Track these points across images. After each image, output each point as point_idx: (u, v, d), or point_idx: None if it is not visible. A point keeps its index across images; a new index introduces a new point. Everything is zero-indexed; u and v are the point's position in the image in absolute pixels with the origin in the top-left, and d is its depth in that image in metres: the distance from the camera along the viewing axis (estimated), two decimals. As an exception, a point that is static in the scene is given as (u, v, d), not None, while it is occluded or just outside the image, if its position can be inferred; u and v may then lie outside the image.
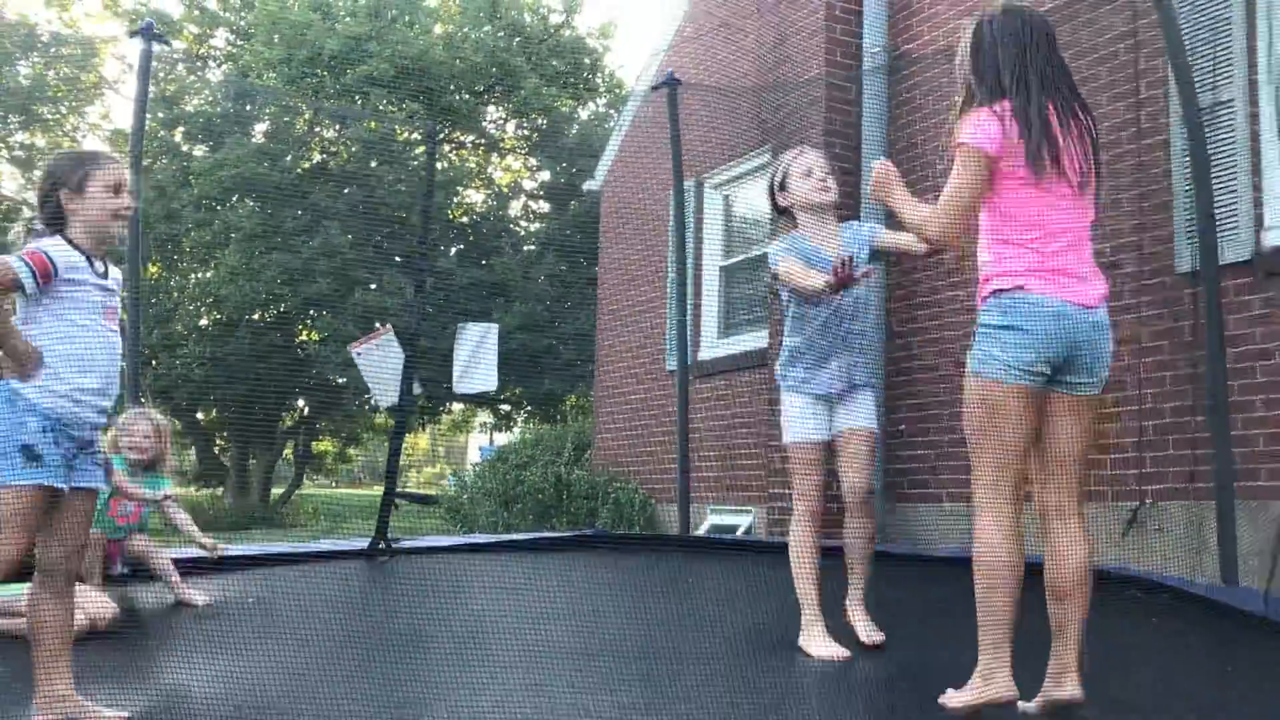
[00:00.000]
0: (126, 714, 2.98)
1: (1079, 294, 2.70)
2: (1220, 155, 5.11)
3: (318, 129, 20.62)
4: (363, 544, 5.80)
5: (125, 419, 4.80)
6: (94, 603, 4.00)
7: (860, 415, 3.71)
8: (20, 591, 3.14)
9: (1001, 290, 2.71)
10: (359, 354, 6.43)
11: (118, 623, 4.01)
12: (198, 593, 4.62)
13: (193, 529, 4.82)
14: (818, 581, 3.64)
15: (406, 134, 19.73)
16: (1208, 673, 3.57)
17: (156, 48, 6.11)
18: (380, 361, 6.23)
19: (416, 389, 6.19)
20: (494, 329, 7.77)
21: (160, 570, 4.68)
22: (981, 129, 2.73)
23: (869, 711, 3.19)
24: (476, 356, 7.56)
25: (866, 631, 3.69)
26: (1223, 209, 5.01)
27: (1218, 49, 5.25)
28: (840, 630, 3.69)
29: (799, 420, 3.69)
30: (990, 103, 2.77)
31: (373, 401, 6.65)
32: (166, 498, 4.74)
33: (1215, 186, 4.90)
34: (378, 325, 6.49)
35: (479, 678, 3.28)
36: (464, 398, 17.54)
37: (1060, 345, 2.67)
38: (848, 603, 3.78)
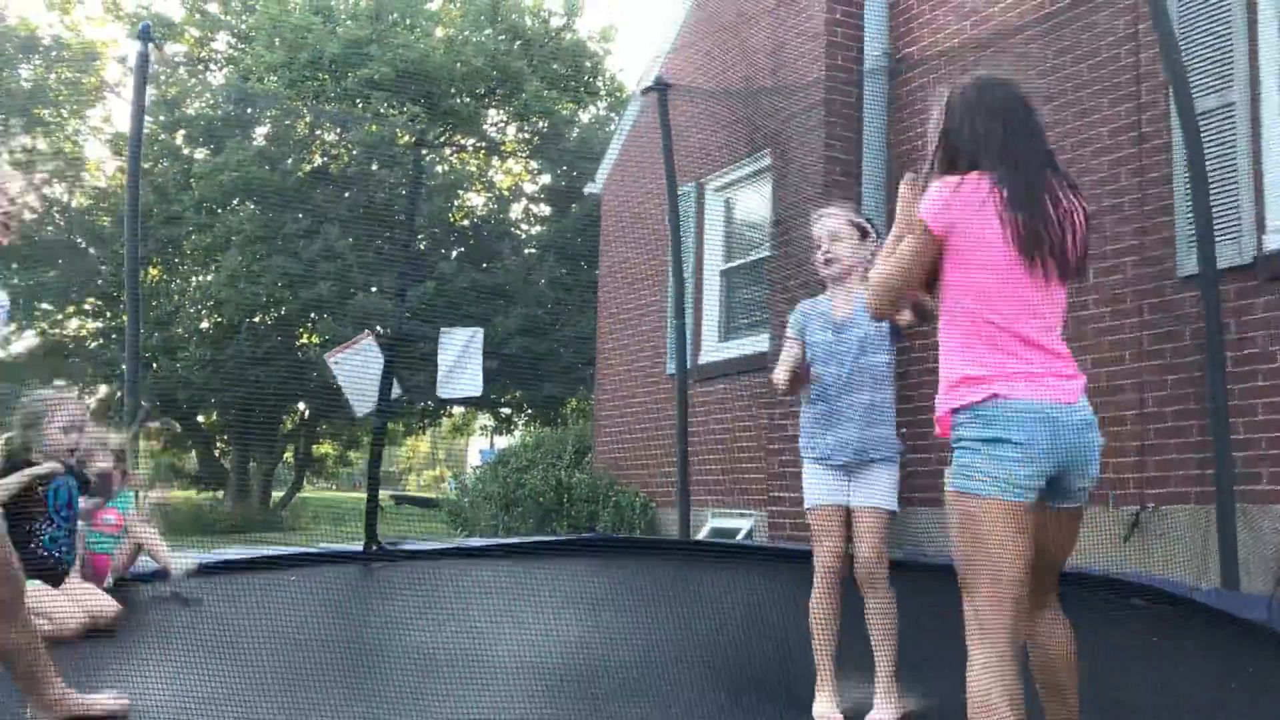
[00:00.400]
0: (128, 700, 2.97)
1: (1059, 391, 2.37)
2: (1222, 158, 5.09)
3: (318, 132, 20.63)
4: (355, 548, 5.78)
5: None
6: (95, 600, 3.98)
7: (876, 494, 3.56)
8: None
9: (973, 403, 2.38)
10: (336, 362, 6.38)
11: (119, 620, 4.00)
12: (184, 558, 4.58)
13: (158, 545, 4.63)
14: (830, 647, 3.48)
15: (407, 137, 19.73)
16: (1206, 675, 3.56)
17: (154, 50, 6.12)
18: (359, 369, 6.15)
19: (396, 391, 6.11)
20: (479, 333, 7.57)
21: (147, 542, 4.62)
22: (933, 200, 2.43)
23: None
24: (461, 361, 7.41)
25: (875, 714, 3.41)
26: (1224, 212, 4.99)
27: (1220, 51, 5.23)
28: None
29: (812, 486, 3.62)
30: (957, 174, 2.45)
31: (351, 410, 6.49)
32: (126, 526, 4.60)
33: (1216, 190, 4.88)
34: (367, 331, 6.43)
35: (477, 684, 3.26)
36: (461, 401, 17.51)
37: (1055, 454, 2.34)
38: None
